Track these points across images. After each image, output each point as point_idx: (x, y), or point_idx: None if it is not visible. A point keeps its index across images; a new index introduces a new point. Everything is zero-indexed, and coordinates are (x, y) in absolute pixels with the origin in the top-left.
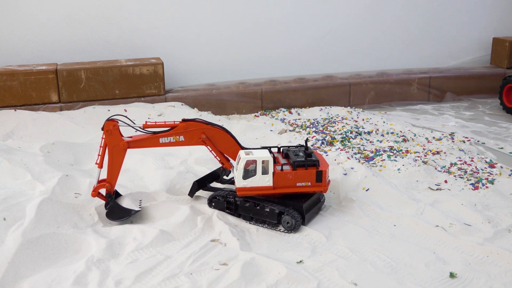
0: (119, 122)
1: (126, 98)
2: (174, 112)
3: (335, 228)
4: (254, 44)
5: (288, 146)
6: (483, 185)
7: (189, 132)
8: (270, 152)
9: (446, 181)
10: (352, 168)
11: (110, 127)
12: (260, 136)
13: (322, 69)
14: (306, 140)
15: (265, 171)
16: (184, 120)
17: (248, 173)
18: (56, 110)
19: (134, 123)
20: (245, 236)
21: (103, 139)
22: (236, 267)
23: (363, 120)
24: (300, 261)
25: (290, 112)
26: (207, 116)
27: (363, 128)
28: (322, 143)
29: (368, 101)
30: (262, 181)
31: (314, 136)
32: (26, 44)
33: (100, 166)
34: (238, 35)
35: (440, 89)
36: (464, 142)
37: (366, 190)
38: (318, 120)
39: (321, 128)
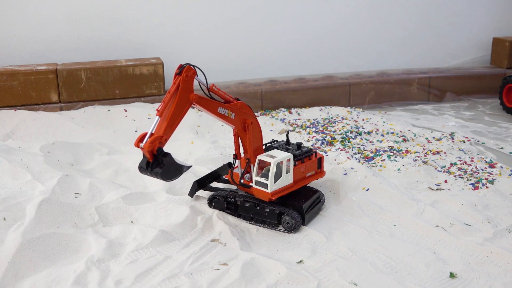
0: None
1: (126, 98)
2: None
3: (335, 228)
4: (254, 44)
5: (265, 144)
6: (483, 185)
7: (242, 113)
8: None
9: (446, 181)
10: (352, 168)
11: (190, 73)
12: None
13: (322, 69)
14: (288, 133)
15: (288, 169)
16: (237, 99)
17: (277, 175)
18: (56, 110)
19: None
20: (245, 236)
21: (175, 85)
22: (236, 267)
23: (363, 120)
24: (300, 261)
25: (290, 112)
26: (207, 116)
27: (363, 128)
28: (322, 143)
29: (368, 101)
30: (287, 179)
31: (314, 136)
32: (26, 44)
33: (161, 114)
34: (238, 35)
35: (440, 89)
36: (464, 142)
37: (366, 190)
38: (318, 120)
39: (321, 128)
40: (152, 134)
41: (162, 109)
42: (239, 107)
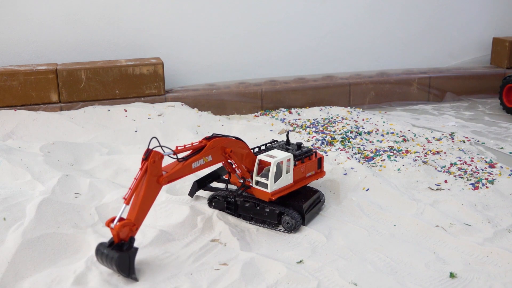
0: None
1: (126, 98)
2: (174, 112)
3: (335, 228)
4: (254, 44)
5: (265, 144)
6: (483, 185)
7: (217, 149)
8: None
9: (446, 181)
10: (352, 168)
11: (157, 158)
12: (260, 136)
13: (322, 69)
14: (288, 133)
15: (288, 169)
16: (207, 139)
17: (277, 175)
18: (56, 110)
19: (164, 150)
20: (245, 236)
21: (142, 171)
22: (236, 267)
23: (363, 120)
24: (300, 261)
25: (290, 112)
26: (207, 116)
27: (363, 128)
28: (322, 143)
29: (368, 101)
30: (287, 179)
31: (314, 136)
32: (26, 44)
33: (128, 202)
34: (238, 35)
35: (440, 89)
36: (464, 142)
37: (366, 190)
38: (318, 120)
39: (321, 128)
40: (120, 219)
41: (130, 197)
42: (211, 147)
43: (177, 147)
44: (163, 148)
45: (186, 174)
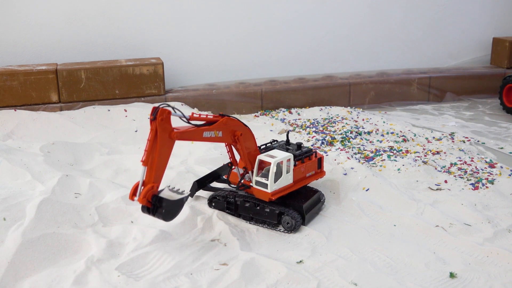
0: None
1: (126, 98)
2: None
3: (335, 228)
4: (254, 44)
5: (265, 144)
6: (483, 185)
7: (229, 128)
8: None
9: (446, 181)
10: (352, 168)
11: (164, 115)
12: (260, 136)
13: (322, 69)
14: (288, 133)
15: (288, 169)
16: (221, 115)
17: (277, 175)
18: (56, 110)
19: (177, 112)
20: (245, 236)
21: (153, 131)
22: (236, 267)
23: (363, 120)
24: (300, 261)
25: (290, 112)
26: None
27: (363, 128)
28: (322, 143)
29: (368, 101)
30: (287, 179)
31: (314, 136)
32: (26, 44)
33: (146, 163)
34: (238, 35)
35: (440, 89)
36: (464, 142)
37: (366, 190)
38: (318, 120)
39: (321, 128)
40: (143, 183)
41: (147, 159)
42: (224, 124)
43: (193, 113)
44: (174, 109)
45: (196, 139)
